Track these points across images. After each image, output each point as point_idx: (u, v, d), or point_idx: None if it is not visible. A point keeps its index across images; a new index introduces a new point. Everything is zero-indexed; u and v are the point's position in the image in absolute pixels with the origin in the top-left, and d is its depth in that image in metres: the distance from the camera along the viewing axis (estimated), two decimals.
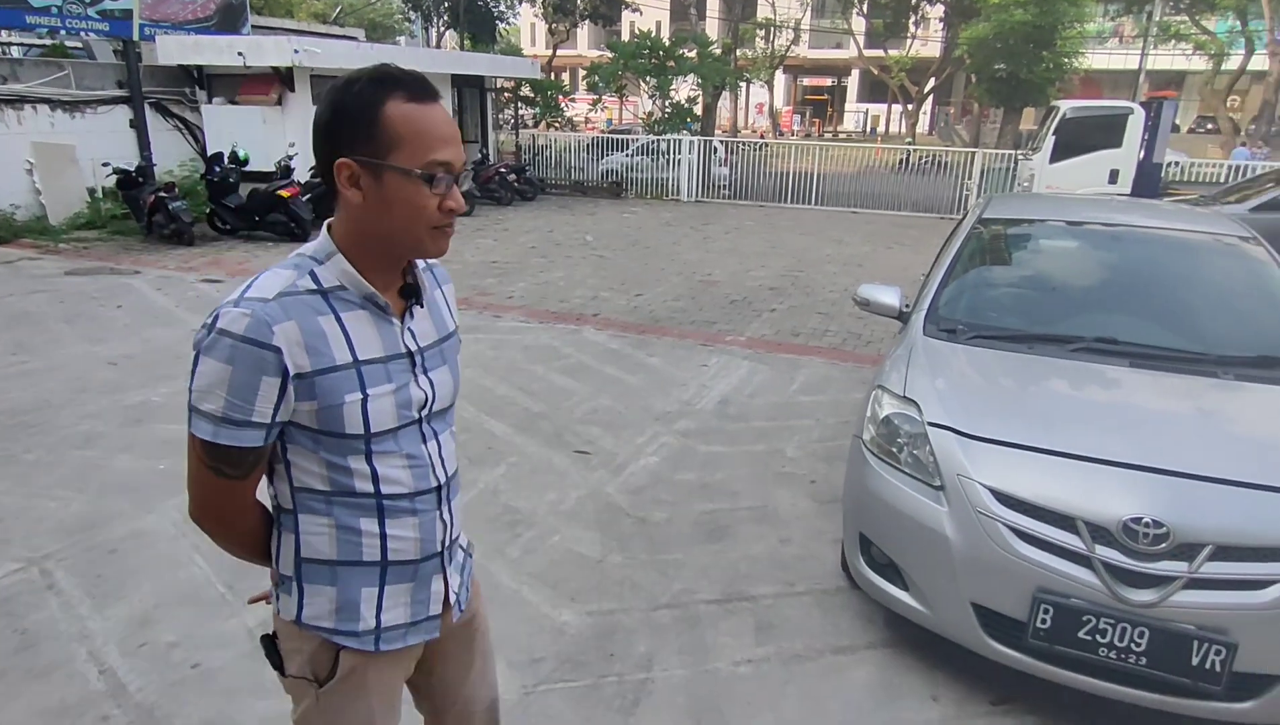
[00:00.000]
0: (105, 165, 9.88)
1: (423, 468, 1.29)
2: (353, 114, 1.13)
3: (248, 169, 10.43)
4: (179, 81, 12.05)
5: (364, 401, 1.18)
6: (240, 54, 11.12)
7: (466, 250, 10.12)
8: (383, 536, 1.27)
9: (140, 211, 9.88)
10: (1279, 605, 2.09)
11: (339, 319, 1.18)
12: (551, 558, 3.32)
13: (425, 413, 1.29)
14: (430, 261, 1.36)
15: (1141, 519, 2.17)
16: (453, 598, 1.40)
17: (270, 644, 1.34)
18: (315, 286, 1.17)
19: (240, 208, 10.14)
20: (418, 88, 1.15)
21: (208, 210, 10.32)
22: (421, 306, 1.30)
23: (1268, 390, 2.69)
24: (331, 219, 1.23)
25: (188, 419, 1.15)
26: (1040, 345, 2.99)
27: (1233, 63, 29.83)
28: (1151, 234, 3.60)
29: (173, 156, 11.80)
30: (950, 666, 2.68)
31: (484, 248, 10.36)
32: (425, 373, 1.28)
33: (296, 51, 10.86)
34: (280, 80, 11.36)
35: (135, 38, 11.20)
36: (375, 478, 1.24)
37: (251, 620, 2.79)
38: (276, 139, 11.15)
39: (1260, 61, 28.02)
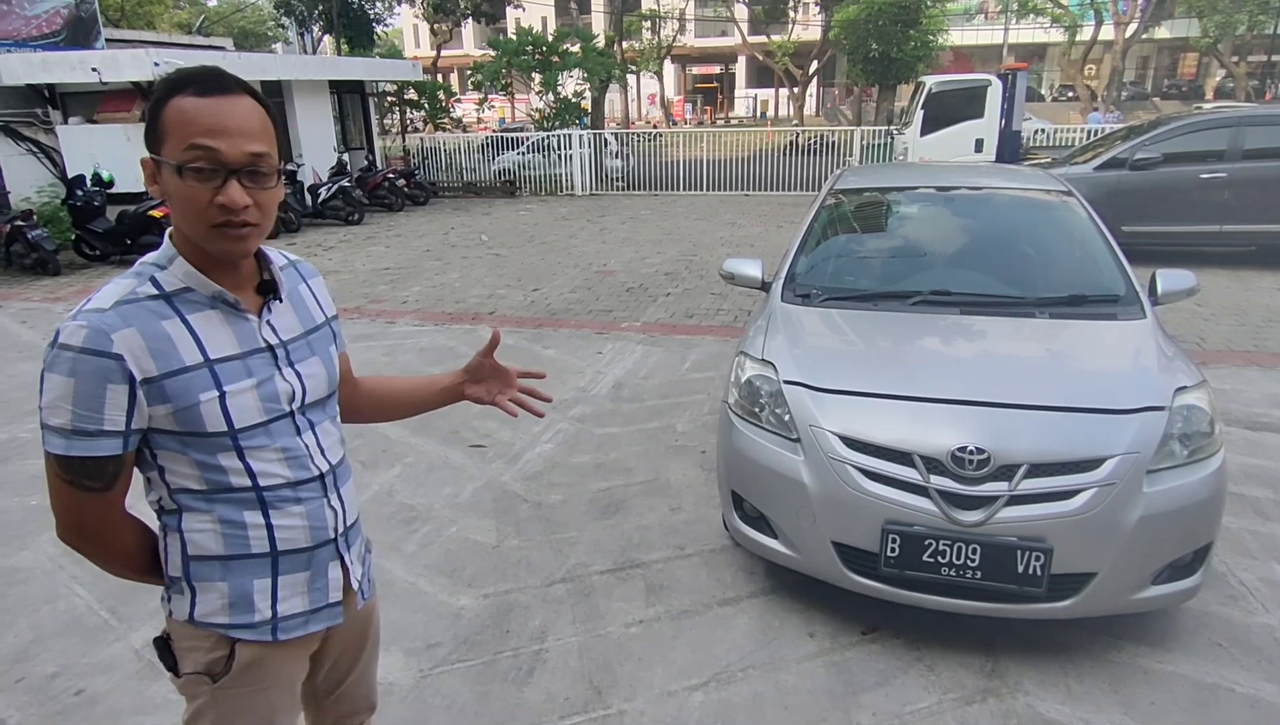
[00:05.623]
0: None
1: (299, 458, 1.30)
2: (150, 114, 1.18)
3: (114, 190, 9.89)
4: (29, 102, 11.33)
5: (221, 398, 1.20)
6: (95, 70, 10.55)
7: (358, 259, 9.93)
8: (269, 527, 1.28)
9: None
10: (1085, 510, 2.37)
11: (185, 321, 1.19)
12: (448, 548, 3.38)
13: (297, 405, 1.31)
14: (294, 257, 1.39)
15: (966, 448, 2.42)
16: (354, 583, 1.43)
17: (164, 646, 1.33)
18: (157, 292, 1.19)
19: (109, 232, 9.60)
20: (207, 82, 1.16)
21: (73, 237, 9.75)
22: (280, 301, 1.32)
23: (1075, 324, 3.02)
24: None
25: (42, 438, 1.16)
26: (884, 302, 3.24)
27: (1086, 34, 32.09)
28: (981, 194, 3.94)
29: (29, 182, 11.08)
30: (825, 606, 2.90)
31: (376, 255, 10.17)
32: (291, 365, 1.30)
33: (157, 64, 10.37)
34: (142, 95, 10.83)
35: None
36: (250, 472, 1.25)
37: (138, 641, 2.75)
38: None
39: (1109, 32, 30.25)
